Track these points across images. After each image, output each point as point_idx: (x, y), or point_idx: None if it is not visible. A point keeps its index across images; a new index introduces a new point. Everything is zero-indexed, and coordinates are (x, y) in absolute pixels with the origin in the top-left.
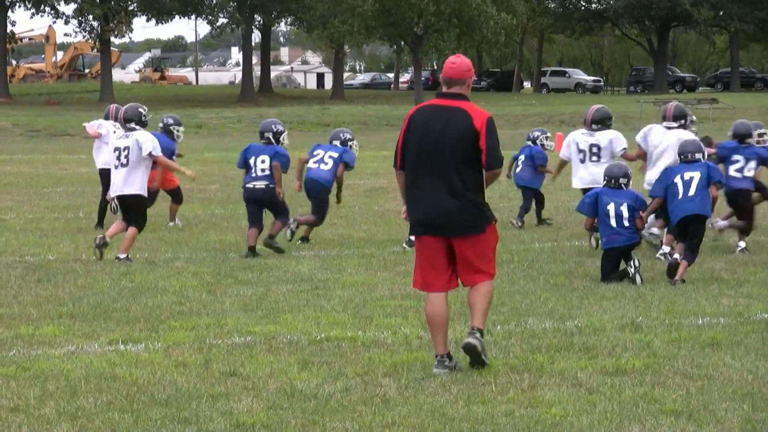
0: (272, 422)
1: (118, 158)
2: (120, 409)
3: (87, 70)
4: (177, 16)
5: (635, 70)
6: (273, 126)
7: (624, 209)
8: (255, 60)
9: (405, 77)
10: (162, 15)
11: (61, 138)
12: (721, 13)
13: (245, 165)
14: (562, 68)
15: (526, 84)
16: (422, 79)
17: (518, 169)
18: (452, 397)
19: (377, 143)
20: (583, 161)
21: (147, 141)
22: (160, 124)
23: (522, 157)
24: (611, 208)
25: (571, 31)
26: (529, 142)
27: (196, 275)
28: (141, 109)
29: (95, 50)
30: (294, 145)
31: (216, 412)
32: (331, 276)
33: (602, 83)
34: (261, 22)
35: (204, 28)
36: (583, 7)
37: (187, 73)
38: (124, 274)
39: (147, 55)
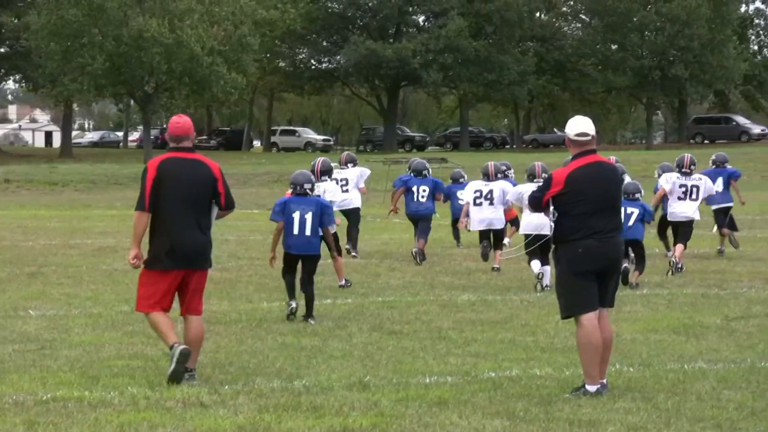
0: None
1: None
2: None
3: None
4: None
5: (365, 129)
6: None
7: (309, 217)
8: None
9: (134, 135)
10: None
11: None
12: (450, 73)
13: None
14: (292, 127)
15: (256, 143)
16: (151, 137)
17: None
18: None
19: (106, 202)
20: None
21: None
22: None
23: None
24: (296, 215)
25: (301, 89)
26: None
27: None
28: (332, 165)
29: None
30: (21, 202)
31: None
32: (58, 336)
33: (332, 142)
34: None
35: None
36: (313, 67)
37: None
38: None
39: None
